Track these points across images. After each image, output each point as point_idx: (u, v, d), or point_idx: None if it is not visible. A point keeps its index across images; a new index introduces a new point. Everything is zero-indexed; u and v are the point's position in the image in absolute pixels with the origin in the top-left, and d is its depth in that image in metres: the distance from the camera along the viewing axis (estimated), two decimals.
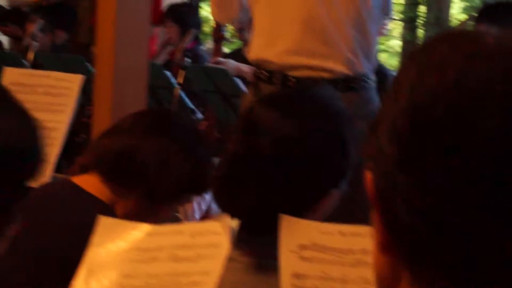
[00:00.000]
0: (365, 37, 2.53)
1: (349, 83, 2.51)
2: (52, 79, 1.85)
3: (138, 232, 1.31)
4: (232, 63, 4.39)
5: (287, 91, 1.54)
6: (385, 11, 2.79)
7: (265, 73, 2.55)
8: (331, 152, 1.41)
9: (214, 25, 4.33)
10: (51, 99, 1.80)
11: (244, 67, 4.35)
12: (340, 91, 2.47)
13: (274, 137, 1.39)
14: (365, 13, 2.52)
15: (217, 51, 4.41)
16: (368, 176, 0.67)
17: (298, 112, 1.43)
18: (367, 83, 2.54)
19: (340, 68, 2.49)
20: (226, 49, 6.28)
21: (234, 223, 1.26)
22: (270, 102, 1.51)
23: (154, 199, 1.75)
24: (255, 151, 1.39)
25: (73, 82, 1.84)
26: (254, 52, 2.59)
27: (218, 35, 4.35)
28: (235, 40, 5.29)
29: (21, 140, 1.00)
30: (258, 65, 2.59)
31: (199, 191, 1.85)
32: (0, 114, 0.99)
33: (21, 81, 1.84)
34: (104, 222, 1.31)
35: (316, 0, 2.48)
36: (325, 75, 2.49)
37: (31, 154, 1.00)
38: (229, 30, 4.61)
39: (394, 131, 0.64)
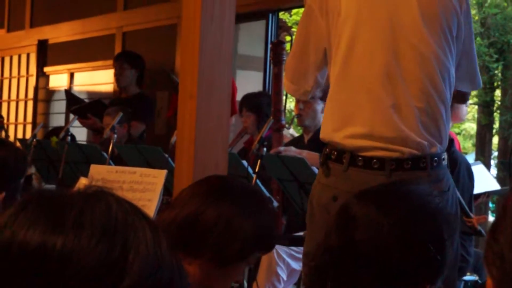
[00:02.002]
0: (435, 121, 2.51)
1: (417, 162, 2.49)
2: (137, 175, 1.87)
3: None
4: (293, 150, 4.40)
5: (384, 186, 1.53)
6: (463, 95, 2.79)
7: (335, 152, 2.55)
8: (429, 251, 1.39)
9: (273, 116, 4.36)
10: (136, 195, 1.82)
11: (304, 152, 4.35)
12: (408, 170, 2.47)
13: (372, 234, 1.38)
14: (437, 99, 2.51)
15: (277, 140, 4.43)
16: (489, 282, 0.64)
17: (396, 209, 1.42)
18: (436, 162, 2.52)
19: (408, 149, 2.48)
20: (296, 133, 6.32)
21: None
22: (367, 197, 1.50)
23: (221, 263, 1.75)
24: (352, 246, 1.38)
25: (157, 177, 1.86)
26: (324, 133, 2.61)
27: (278, 125, 4.38)
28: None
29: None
30: (328, 144, 2.60)
31: (265, 250, 1.85)
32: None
33: (107, 177, 1.87)
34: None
35: (384, 89, 2.48)
36: (394, 155, 2.48)
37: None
38: (287, 118, 4.65)
39: None
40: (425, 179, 2.45)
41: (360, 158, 2.50)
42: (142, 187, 1.87)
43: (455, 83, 2.62)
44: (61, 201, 0.93)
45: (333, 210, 2.47)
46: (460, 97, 2.85)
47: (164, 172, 1.91)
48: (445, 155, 2.57)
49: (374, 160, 2.48)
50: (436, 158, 2.52)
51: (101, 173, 1.94)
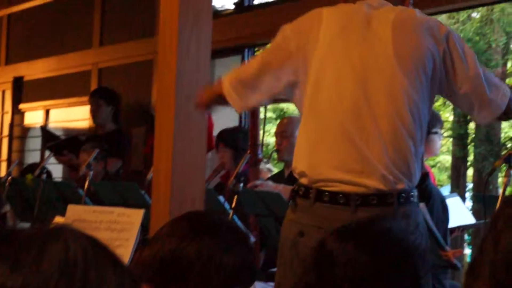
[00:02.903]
0: (404, 157, 2.52)
1: (384, 198, 2.50)
2: (115, 215, 1.88)
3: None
4: (269, 185, 4.40)
5: (361, 222, 1.54)
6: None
7: (302, 188, 2.56)
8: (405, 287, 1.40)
9: (250, 151, 4.36)
10: (114, 234, 1.82)
11: (280, 187, 4.35)
12: (374, 206, 2.48)
13: (349, 271, 1.38)
14: (405, 134, 2.52)
15: (254, 175, 4.43)
16: None
17: (373, 246, 1.43)
18: (403, 198, 2.52)
19: (374, 184, 2.49)
20: (273, 168, 6.33)
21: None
22: (345, 234, 1.51)
23: None
24: (331, 283, 1.39)
25: (135, 217, 1.87)
26: (294, 164, 2.63)
27: (254, 159, 4.38)
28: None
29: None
30: (297, 178, 2.61)
31: (245, 285, 1.85)
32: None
33: (85, 217, 1.88)
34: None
35: (352, 121, 2.50)
36: (360, 190, 2.49)
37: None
38: (265, 153, 4.65)
39: (494, 279, 0.62)
40: (391, 215, 2.46)
41: (326, 193, 2.51)
42: (119, 227, 1.87)
43: (476, 119, 2.61)
44: (20, 241, 0.93)
45: (300, 246, 2.48)
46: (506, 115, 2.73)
47: (141, 212, 1.91)
48: (414, 192, 2.57)
49: (340, 195, 2.49)
50: (403, 195, 2.52)
51: (78, 213, 1.94)
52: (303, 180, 2.57)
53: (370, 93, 2.52)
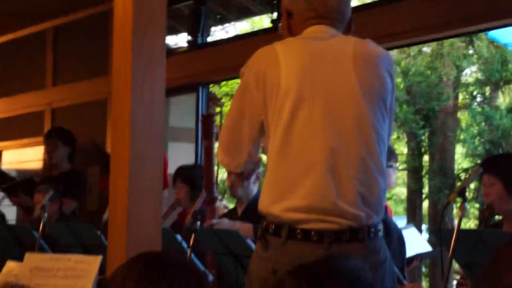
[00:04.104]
0: (373, 192, 2.54)
1: (355, 234, 2.51)
2: (72, 262, 1.87)
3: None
4: (226, 223, 4.39)
5: (316, 261, 1.54)
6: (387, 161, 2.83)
7: (272, 226, 2.55)
8: None
9: (205, 189, 4.36)
10: (70, 282, 1.80)
11: (237, 224, 4.35)
12: (346, 242, 2.48)
13: None
14: (375, 171, 2.54)
15: (210, 213, 4.42)
16: None
17: (328, 285, 1.43)
18: (373, 233, 2.54)
19: (346, 221, 2.50)
20: (229, 204, 6.32)
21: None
22: (300, 273, 1.51)
23: None
24: None
25: (92, 264, 1.85)
26: (262, 205, 2.61)
27: (210, 197, 4.37)
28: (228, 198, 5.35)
29: None
30: (266, 217, 2.60)
31: None
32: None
33: (42, 265, 1.86)
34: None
35: (324, 162, 2.50)
36: (332, 226, 2.49)
37: None
38: (220, 190, 4.65)
39: None
40: (362, 251, 2.47)
41: (298, 231, 2.50)
42: (76, 274, 1.86)
43: None
44: None
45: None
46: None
47: (99, 259, 1.90)
48: (381, 226, 2.59)
49: (313, 233, 2.49)
50: (373, 229, 2.53)
51: (35, 261, 1.91)
52: (273, 218, 2.56)
53: (339, 131, 2.52)
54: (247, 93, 2.63)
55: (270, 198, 2.57)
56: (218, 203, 6.50)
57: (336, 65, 2.58)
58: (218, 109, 4.64)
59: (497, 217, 4.01)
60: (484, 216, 3.92)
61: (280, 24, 2.82)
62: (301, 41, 2.66)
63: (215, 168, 4.38)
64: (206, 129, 4.26)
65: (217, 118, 4.37)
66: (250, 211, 4.60)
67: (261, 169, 4.76)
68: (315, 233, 2.48)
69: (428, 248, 4.85)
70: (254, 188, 4.74)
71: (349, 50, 2.60)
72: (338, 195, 2.49)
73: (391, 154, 4.32)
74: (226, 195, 5.36)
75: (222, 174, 9.44)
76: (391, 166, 4.27)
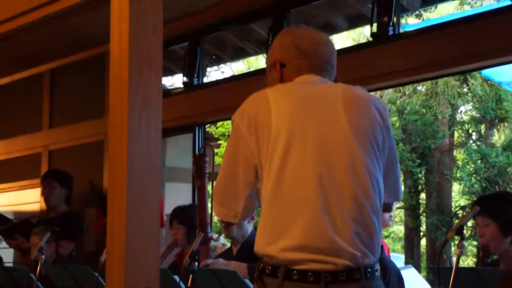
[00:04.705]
0: (369, 232, 2.54)
1: (351, 274, 2.51)
2: None
3: None
4: (220, 262, 4.39)
5: None
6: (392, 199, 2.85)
7: (269, 267, 2.55)
8: None
9: (199, 229, 4.35)
10: None
11: (233, 264, 4.34)
12: (343, 282, 2.47)
13: None
14: (370, 210, 2.54)
15: (204, 253, 4.42)
16: None
17: None
18: (369, 273, 2.54)
19: (343, 261, 2.50)
20: (228, 243, 6.30)
21: None
22: None
23: None
24: None
25: None
26: (258, 246, 2.60)
27: (204, 238, 4.37)
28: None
29: None
30: (262, 259, 2.59)
31: None
32: None
33: None
34: None
35: (318, 201, 2.51)
36: (328, 267, 2.49)
37: None
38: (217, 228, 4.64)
39: None
40: None
41: (295, 271, 2.50)
42: None
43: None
44: None
45: None
46: (385, 207, 2.90)
47: None
48: (377, 266, 2.59)
49: (309, 273, 2.48)
50: (369, 269, 2.53)
51: None
52: (269, 259, 2.56)
53: (333, 173, 2.53)
54: (240, 139, 2.64)
55: (266, 239, 2.57)
56: (217, 243, 6.48)
57: (326, 107, 2.61)
58: (216, 150, 4.66)
59: (495, 256, 4.01)
60: (480, 257, 3.92)
61: (266, 80, 2.83)
62: (291, 86, 2.70)
63: (209, 207, 4.38)
64: (198, 169, 4.26)
65: (216, 158, 4.39)
66: (245, 250, 4.60)
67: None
68: (312, 273, 2.48)
69: (427, 286, 4.84)
70: (248, 228, 4.74)
71: (339, 93, 2.63)
72: (335, 232, 2.49)
73: None
74: (222, 234, 5.36)
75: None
76: None
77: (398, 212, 13.30)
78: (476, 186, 11.78)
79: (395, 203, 3.69)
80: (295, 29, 2.85)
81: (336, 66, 2.80)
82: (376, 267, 2.56)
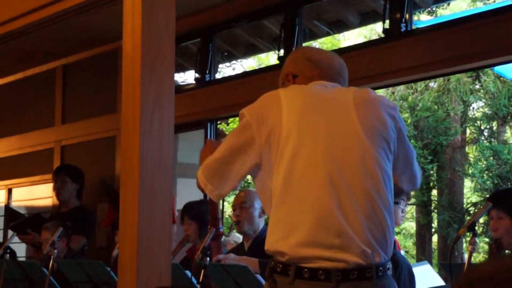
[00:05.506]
0: (381, 229, 2.55)
1: (363, 272, 2.51)
2: None
3: None
4: (232, 258, 4.40)
5: None
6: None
7: (280, 265, 2.56)
8: None
9: (210, 225, 4.36)
10: None
11: (244, 260, 4.35)
12: (354, 280, 2.47)
13: None
14: (382, 206, 2.55)
15: (216, 249, 4.43)
16: None
17: None
18: (381, 271, 2.54)
19: (354, 259, 2.50)
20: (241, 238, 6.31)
21: None
22: None
23: None
24: None
25: None
26: (269, 244, 2.61)
27: (216, 233, 4.38)
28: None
29: None
30: (273, 256, 2.60)
31: None
32: None
33: None
34: None
35: (329, 196, 2.52)
36: (339, 265, 2.49)
37: None
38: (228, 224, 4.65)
39: None
40: None
41: (305, 270, 2.50)
42: None
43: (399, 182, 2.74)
44: None
45: None
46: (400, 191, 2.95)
47: None
48: (389, 265, 2.59)
49: (320, 272, 2.49)
50: (381, 268, 2.53)
51: None
52: (280, 257, 2.56)
53: (344, 169, 2.54)
54: (247, 133, 2.66)
55: (277, 235, 2.57)
56: (230, 238, 6.49)
57: (337, 106, 2.64)
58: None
59: (507, 251, 4.00)
60: (492, 251, 3.92)
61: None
62: (304, 86, 2.73)
63: (220, 203, 4.39)
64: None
65: None
66: (256, 246, 4.61)
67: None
68: (323, 272, 2.48)
69: (441, 282, 4.84)
70: (260, 223, 4.75)
71: (350, 94, 2.68)
72: (347, 225, 2.50)
73: (401, 191, 4.32)
74: (234, 230, 5.37)
75: (229, 210, 9.45)
76: (397, 203, 4.27)
77: (409, 209, 13.28)
78: (488, 182, 11.75)
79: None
80: (305, 46, 2.90)
81: (347, 79, 2.85)
82: (388, 266, 2.56)
